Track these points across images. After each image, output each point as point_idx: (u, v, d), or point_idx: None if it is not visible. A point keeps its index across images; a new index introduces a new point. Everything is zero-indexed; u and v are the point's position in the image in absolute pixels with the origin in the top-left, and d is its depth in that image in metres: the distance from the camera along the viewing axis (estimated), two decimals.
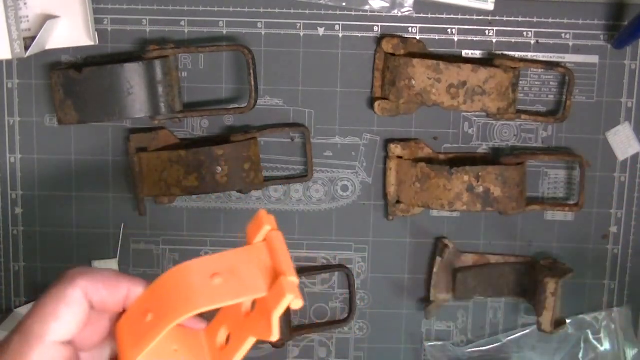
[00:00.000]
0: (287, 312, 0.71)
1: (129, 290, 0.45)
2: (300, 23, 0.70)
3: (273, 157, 0.72)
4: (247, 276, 0.43)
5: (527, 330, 0.74)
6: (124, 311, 0.45)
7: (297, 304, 0.41)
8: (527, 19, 0.71)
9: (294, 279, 0.42)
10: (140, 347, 0.42)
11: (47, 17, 0.66)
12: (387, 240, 0.73)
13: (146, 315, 0.43)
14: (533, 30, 0.71)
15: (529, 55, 0.71)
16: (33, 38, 0.65)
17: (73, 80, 0.66)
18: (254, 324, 0.43)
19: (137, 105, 0.67)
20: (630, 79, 0.72)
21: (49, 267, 0.73)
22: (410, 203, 0.71)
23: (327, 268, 0.73)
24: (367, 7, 0.70)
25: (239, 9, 0.70)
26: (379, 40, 0.70)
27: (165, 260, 0.73)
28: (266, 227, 0.44)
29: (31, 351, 0.42)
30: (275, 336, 0.41)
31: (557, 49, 0.71)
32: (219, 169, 0.68)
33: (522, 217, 0.73)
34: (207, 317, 0.45)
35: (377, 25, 0.71)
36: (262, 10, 0.70)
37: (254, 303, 0.44)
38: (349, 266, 0.73)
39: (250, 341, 0.43)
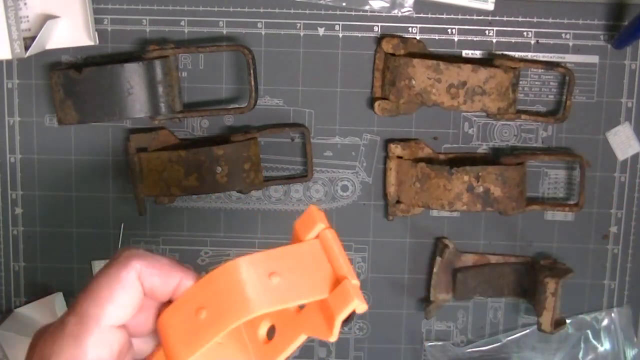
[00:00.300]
0: None
1: (180, 281, 0.43)
2: (300, 23, 0.70)
3: (273, 157, 0.72)
4: (305, 276, 0.42)
5: (527, 330, 0.74)
6: (168, 302, 0.44)
7: (362, 308, 0.41)
8: (527, 19, 0.71)
9: (357, 282, 0.41)
10: (194, 345, 0.41)
11: (47, 17, 0.66)
12: (387, 240, 0.73)
13: (199, 312, 0.41)
14: (533, 30, 0.71)
15: (529, 55, 0.71)
16: (33, 38, 0.65)
17: (73, 80, 0.66)
18: (307, 321, 0.42)
19: (137, 105, 0.67)
20: (630, 79, 0.72)
21: (49, 267, 0.73)
22: (410, 203, 0.71)
23: None
24: (367, 7, 0.70)
25: (239, 9, 0.70)
26: (379, 40, 0.70)
27: None
28: (320, 225, 0.43)
29: (88, 334, 0.41)
30: (335, 337, 0.41)
31: (557, 49, 0.71)
32: (219, 169, 0.68)
33: (522, 217, 0.73)
34: None
35: (377, 25, 0.71)
36: (262, 10, 0.70)
37: None
38: None
39: (302, 338, 0.42)
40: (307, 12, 0.70)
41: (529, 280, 0.72)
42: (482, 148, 0.72)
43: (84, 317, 0.41)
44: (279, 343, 0.43)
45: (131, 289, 0.42)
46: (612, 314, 0.74)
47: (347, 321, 0.72)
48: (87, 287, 0.43)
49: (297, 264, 0.42)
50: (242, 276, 0.41)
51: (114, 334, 0.42)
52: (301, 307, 0.43)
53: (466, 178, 0.68)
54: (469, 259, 0.73)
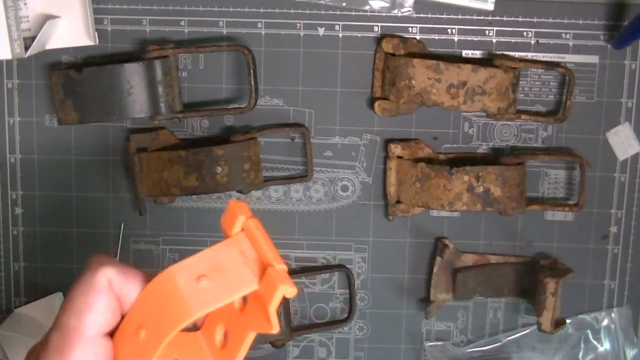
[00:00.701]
0: (287, 308, 0.71)
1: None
2: (300, 23, 0.70)
3: (273, 157, 0.72)
4: (234, 272, 0.41)
5: (527, 330, 0.74)
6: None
7: (291, 292, 0.40)
8: (527, 19, 0.71)
9: (282, 267, 0.41)
10: None
11: (47, 17, 0.66)
12: (387, 240, 0.73)
13: (138, 332, 0.41)
14: (533, 30, 0.71)
15: (529, 55, 0.71)
16: (33, 38, 0.65)
17: (73, 80, 0.66)
18: (250, 318, 0.42)
19: (137, 105, 0.67)
20: (630, 79, 0.72)
21: (49, 267, 0.73)
22: (410, 203, 0.71)
23: (327, 268, 0.73)
24: (367, 7, 0.70)
25: (239, 9, 0.70)
26: (379, 40, 0.70)
27: (165, 260, 0.73)
28: (241, 217, 0.43)
29: (72, 348, 0.40)
30: (275, 328, 0.40)
31: (557, 49, 0.71)
32: (219, 169, 0.68)
33: (522, 217, 0.73)
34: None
35: (377, 25, 0.71)
36: (262, 10, 0.70)
37: (245, 297, 0.43)
38: (349, 266, 0.73)
39: (251, 336, 0.42)
40: (307, 12, 0.70)
41: (529, 280, 0.72)
42: (482, 148, 0.72)
43: (65, 331, 0.41)
44: (232, 346, 0.42)
45: (106, 293, 0.41)
46: (612, 314, 0.74)
47: (341, 323, 0.72)
48: (65, 299, 0.42)
49: (224, 261, 0.42)
50: (170, 287, 0.41)
51: (98, 344, 0.41)
52: (245, 304, 0.43)
53: (466, 178, 0.68)
54: (469, 259, 0.73)
